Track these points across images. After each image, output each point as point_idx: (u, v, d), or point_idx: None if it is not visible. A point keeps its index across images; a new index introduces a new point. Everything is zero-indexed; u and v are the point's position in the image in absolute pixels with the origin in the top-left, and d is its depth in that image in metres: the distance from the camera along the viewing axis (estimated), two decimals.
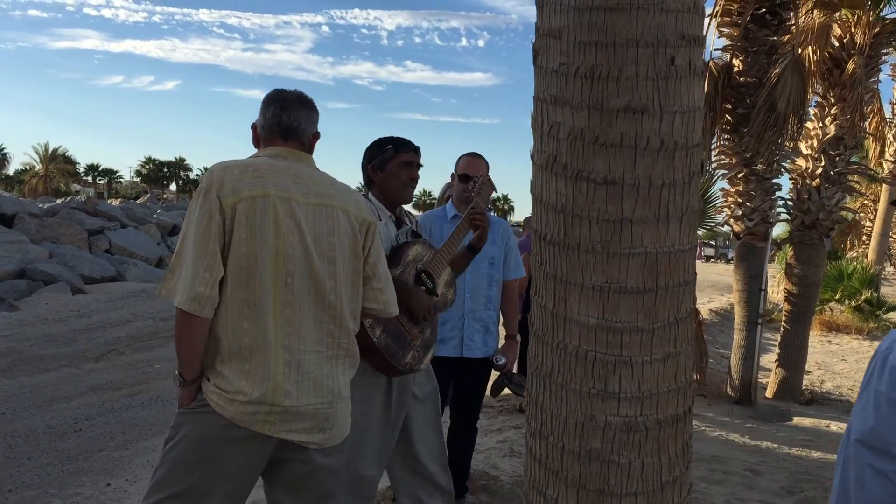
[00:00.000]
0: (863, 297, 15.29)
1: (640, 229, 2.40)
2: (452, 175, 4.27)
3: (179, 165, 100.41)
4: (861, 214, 25.54)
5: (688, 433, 2.62)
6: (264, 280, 2.31)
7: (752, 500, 5.44)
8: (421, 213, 4.50)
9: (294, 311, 2.36)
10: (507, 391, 4.97)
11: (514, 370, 4.50)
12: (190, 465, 2.32)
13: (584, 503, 2.51)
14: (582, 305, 2.47)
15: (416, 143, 3.37)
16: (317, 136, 2.65)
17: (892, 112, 14.54)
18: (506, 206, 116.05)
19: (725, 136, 9.05)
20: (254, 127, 2.64)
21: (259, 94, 3.96)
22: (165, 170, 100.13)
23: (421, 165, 3.34)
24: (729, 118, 8.88)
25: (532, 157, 2.63)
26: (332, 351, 2.46)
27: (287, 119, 2.55)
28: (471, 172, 4.13)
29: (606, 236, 2.42)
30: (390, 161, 3.27)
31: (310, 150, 2.63)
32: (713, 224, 10.99)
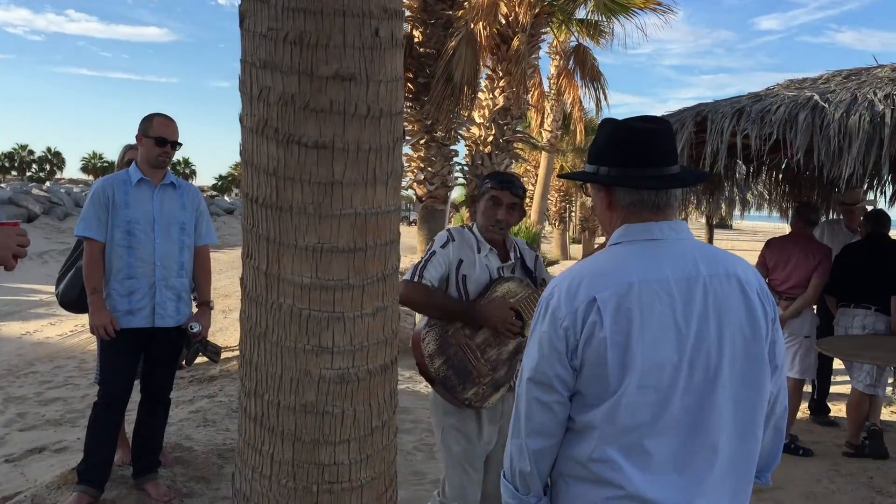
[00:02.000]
0: None
1: (349, 191, 2.53)
2: (138, 137, 4.06)
3: None
4: (525, 178, 28.24)
5: (394, 380, 2.83)
6: None
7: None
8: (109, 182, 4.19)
9: None
10: (201, 358, 4.88)
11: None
12: None
13: (299, 454, 2.62)
14: (295, 265, 2.55)
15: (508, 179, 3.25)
16: None
17: (550, 87, 16.17)
18: (187, 171, 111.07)
19: (408, 105, 9.54)
20: None
21: None
22: None
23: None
24: (411, 87, 9.36)
25: (241, 120, 2.63)
26: None
27: None
28: (168, 136, 3.98)
29: (318, 198, 2.51)
30: (481, 197, 3.23)
31: None
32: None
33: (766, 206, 11.95)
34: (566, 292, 1.84)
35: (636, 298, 1.79)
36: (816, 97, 4.30)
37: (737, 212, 13.45)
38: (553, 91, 14.50)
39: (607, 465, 1.80)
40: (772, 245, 6.28)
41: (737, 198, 11.13)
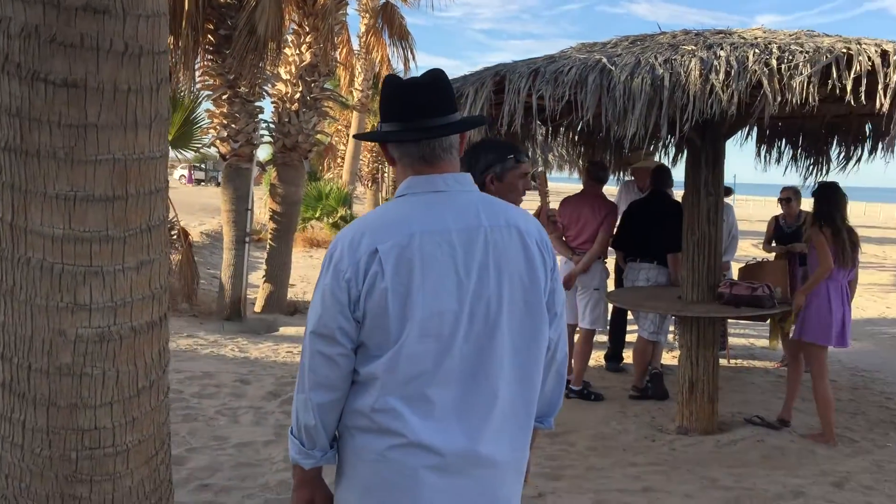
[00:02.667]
0: (339, 215, 16.90)
1: (106, 135, 2.33)
2: None
3: None
4: (336, 139, 27.91)
5: (165, 338, 2.67)
6: None
7: (242, 407, 5.78)
8: None
9: None
10: None
11: None
12: None
13: (55, 420, 2.42)
14: (45, 216, 2.33)
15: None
16: None
17: (360, 45, 16.01)
18: None
19: (209, 57, 9.09)
20: None
21: None
22: None
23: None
24: (212, 38, 8.92)
25: None
26: None
27: None
28: None
29: (70, 142, 2.30)
30: (511, 171, 3.06)
31: None
32: (200, 145, 11.04)
33: (566, 166, 12.54)
34: (349, 245, 1.84)
35: (417, 249, 1.81)
36: (604, 60, 4.48)
37: (551, 173, 13.99)
38: (363, 50, 14.37)
39: (389, 415, 1.81)
40: (565, 203, 6.57)
41: (539, 158, 11.64)
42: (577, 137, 7.44)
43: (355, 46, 14.46)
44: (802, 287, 5.40)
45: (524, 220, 1.97)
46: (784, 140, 6.95)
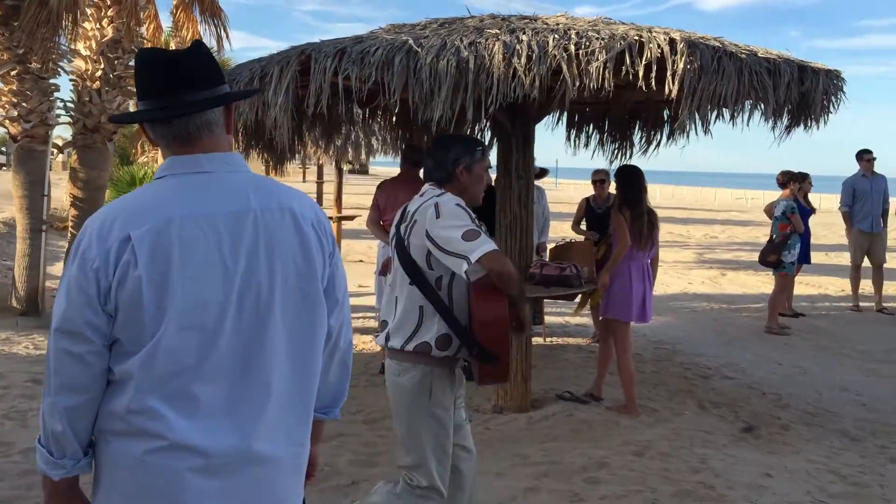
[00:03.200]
0: None
1: None
2: None
3: None
4: None
5: None
6: None
7: (32, 410, 5.35)
8: None
9: None
10: None
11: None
12: None
13: None
14: None
15: None
16: None
17: (172, 22, 15.15)
18: None
19: None
20: None
21: None
22: None
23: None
24: None
25: None
26: None
27: None
28: None
29: None
30: (479, 163, 3.16)
31: None
32: None
33: (390, 150, 12.51)
34: (98, 231, 1.66)
35: (176, 234, 1.65)
36: (411, 41, 4.42)
37: (375, 157, 13.90)
38: (173, 27, 13.65)
39: (147, 416, 1.65)
40: (383, 187, 6.50)
41: (362, 142, 11.51)
42: (395, 120, 7.39)
43: (166, 23, 13.74)
44: (606, 266, 5.63)
45: (299, 201, 1.86)
46: (592, 125, 7.21)
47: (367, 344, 7.58)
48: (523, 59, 4.09)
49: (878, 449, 5.15)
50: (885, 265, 10.34)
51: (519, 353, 5.55)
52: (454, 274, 2.97)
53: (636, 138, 7.09)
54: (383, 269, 6.23)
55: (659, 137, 6.92)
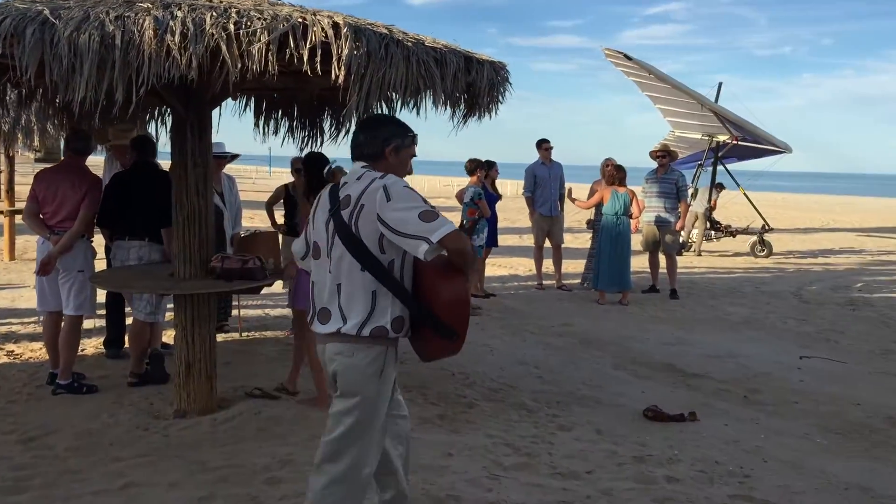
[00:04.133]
0: None
1: None
2: None
3: None
4: None
5: None
6: None
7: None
8: None
9: None
10: None
11: None
12: None
13: None
14: None
15: None
16: None
17: None
18: None
19: None
20: None
21: None
22: None
23: None
24: None
25: None
26: None
27: None
28: None
29: None
30: (408, 149, 3.28)
31: None
32: None
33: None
34: None
35: None
36: (46, 12, 3.90)
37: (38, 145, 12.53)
38: None
39: None
40: (41, 177, 5.81)
41: (35, 127, 10.31)
42: (58, 103, 6.62)
43: None
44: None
45: None
46: (280, 112, 7.00)
47: (35, 352, 6.78)
48: (177, 37, 3.77)
49: (550, 418, 5.52)
50: (562, 245, 11.28)
51: (202, 351, 5.24)
52: (406, 256, 3.06)
53: (326, 125, 6.99)
54: (42, 269, 5.58)
55: (348, 125, 6.88)
